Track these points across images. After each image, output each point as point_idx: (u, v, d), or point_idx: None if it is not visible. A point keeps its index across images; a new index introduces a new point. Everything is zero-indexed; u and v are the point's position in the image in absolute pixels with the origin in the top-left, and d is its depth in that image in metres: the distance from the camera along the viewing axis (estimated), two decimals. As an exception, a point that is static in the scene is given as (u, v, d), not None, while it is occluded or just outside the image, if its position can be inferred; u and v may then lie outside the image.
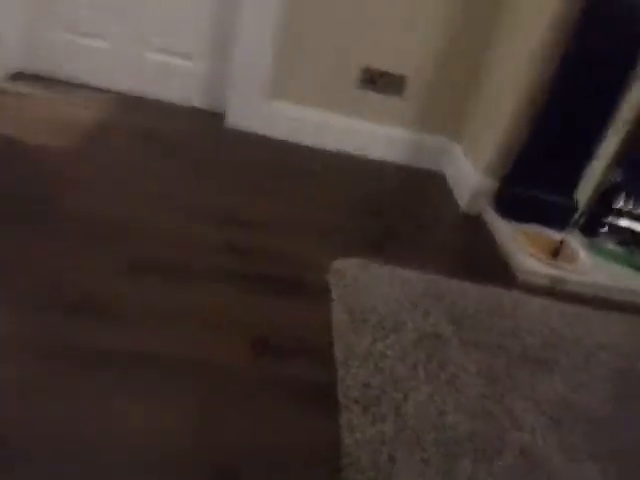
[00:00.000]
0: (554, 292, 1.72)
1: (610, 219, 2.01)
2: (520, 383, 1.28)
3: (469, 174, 2.09)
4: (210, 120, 2.19)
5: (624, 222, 2.01)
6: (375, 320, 1.36)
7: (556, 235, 1.92)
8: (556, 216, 1.98)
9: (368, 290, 1.47)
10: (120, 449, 0.99)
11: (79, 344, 1.15)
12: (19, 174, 1.61)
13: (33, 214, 1.47)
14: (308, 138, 2.21)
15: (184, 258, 1.46)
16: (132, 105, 2.13)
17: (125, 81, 2.16)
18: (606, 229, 2.00)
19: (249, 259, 1.52)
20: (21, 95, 2.00)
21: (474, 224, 2.02)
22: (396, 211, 1.96)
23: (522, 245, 1.81)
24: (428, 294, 1.52)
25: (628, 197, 1.99)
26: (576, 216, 2.02)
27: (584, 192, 2.00)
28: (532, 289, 1.70)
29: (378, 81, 2.16)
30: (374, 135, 2.23)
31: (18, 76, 2.10)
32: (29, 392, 1.04)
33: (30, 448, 0.95)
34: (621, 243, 1.97)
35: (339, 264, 1.56)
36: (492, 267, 1.78)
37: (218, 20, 2.07)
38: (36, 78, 2.11)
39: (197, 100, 2.22)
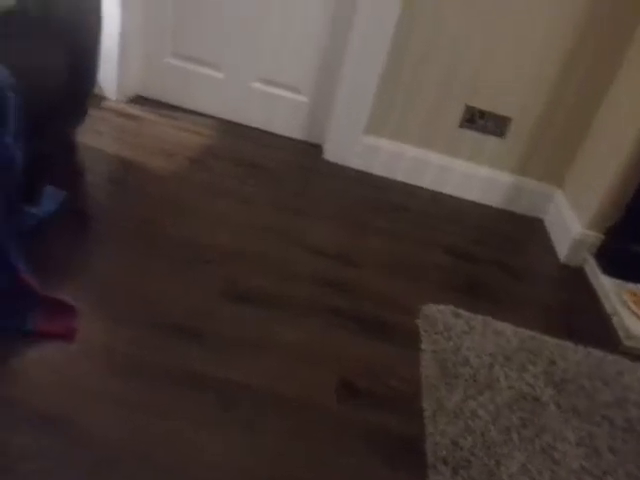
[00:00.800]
0: (663, 361, 1.60)
1: None
2: (624, 459, 1.19)
3: (571, 223, 1.99)
4: (309, 152, 2.23)
5: None
6: (467, 374, 1.31)
7: (666, 298, 1.78)
8: (667, 277, 1.84)
9: (460, 340, 1.42)
10: (198, 477, 1.00)
11: (177, 365, 1.20)
12: (132, 196, 1.71)
13: (142, 236, 1.55)
14: (405, 175, 2.19)
15: (279, 289, 1.49)
16: (238, 133, 2.20)
17: (233, 110, 2.24)
18: None
19: (341, 294, 1.53)
20: (137, 118, 2.13)
21: (574, 278, 1.92)
22: (490, 257, 1.90)
23: (628, 306, 1.70)
24: (524, 350, 1.46)
25: None
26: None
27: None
28: (638, 355, 1.58)
29: (480, 121, 2.11)
30: (472, 176, 2.18)
31: (136, 99, 2.24)
32: (125, 405, 1.09)
33: (119, 456, 0.99)
34: None
35: (430, 309, 1.52)
36: (594, 327, 1.68)
37: (326, 55, 2.12)
38: (152, 102, 2.24)
39: (298, 131, 2.26)
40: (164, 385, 1.15)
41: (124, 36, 2.07)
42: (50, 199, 1.48)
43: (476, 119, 2.11)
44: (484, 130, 2.13)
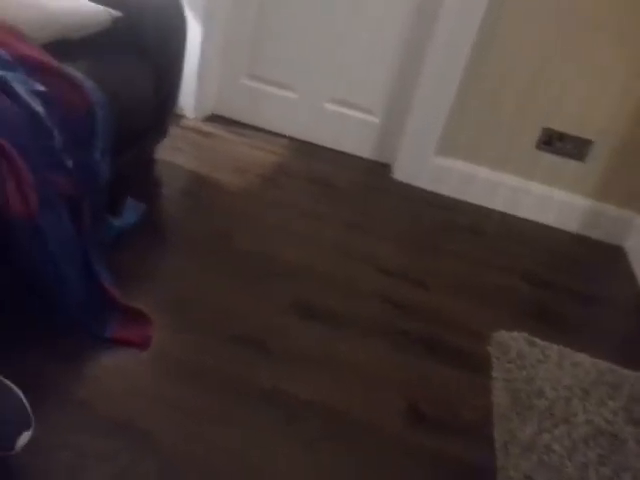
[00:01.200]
0: None
1: None
2: None
3: (656, 252, 1.89)
4: (379, 171, 2.22)
5: None
6: (542, 406, 1.25)
7: None
8: None
9: (534, 370, 1.36)
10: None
11: (245, 376, 1.21)
12: (206, 210, 1.76)
13: (215, 249, 1.59)
14: (477, 197, 2.15)
15: (347, 307, 1.48)
16: (309, 152, 2.23)
17: (305, 129, 2.27)
18: None
19: (409, 316, 1.50)
20: (213, 136, 2.20)
21: (658, 309, 1.81)
22: (566, 284, 1.82)
23: None
24: (602, 383, 1.38)
25: None
26: None
27: None
28: None
29: (558, 143, 2.05)
30: (548, 200, 2.11)
31: (212, 118, 2.31)
32: (193, 413, 1.10)
33: (184, 464, 1.00)
34: None
35: (502, 336, 1.47)
36: (680, 363, 1.57)
37: (399, 77, 2.12)
38: (227, 121, 2.31)
39: (369, 151, 2.27)
40: (232, 396, 1.16)
41: (204, 58, 2.16)
42: (131, 211, 1.54)
43: (554, 141, 2.04)
44: (562, 153, 2.06)
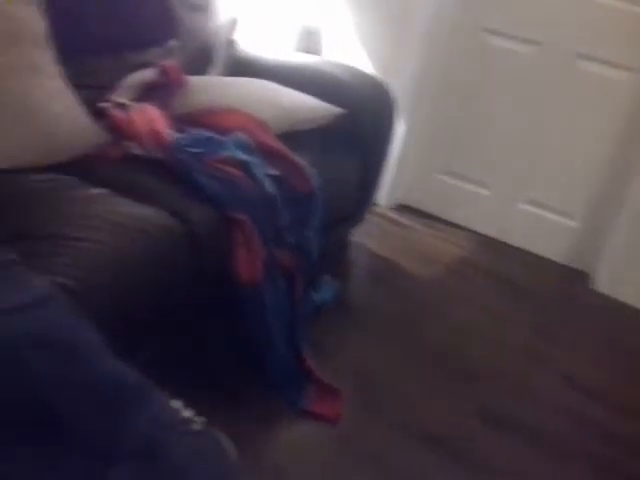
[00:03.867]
0: None
1: None
2: None
3: None
4: (573, 278, 2.10)
5: None
6: None
7: None
8: None
9: None
10: None
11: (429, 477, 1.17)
12: (393, 295, 1.79)
13: (400, 335, 1.60)
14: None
15: (533, 418, 1.39)
16: (498, 250, 2.19)
17: (495, 226, 2.25)
18: None
19: (608, 442, 1.36)
20: (402, 225, 2.27)
21: None
22: None
23: None
24: None
25: None
26: None
27: None
28: None
29: None
30: None
31: (401, 208, 2.39)
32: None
33: None
34: None
35: None
36: None
37: (605, 183, 2.03)
38: (416, 211, 2.37)
39: (563, 255, 2.17)
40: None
41: (403, 151, 2.26)
42: (327, 288, 1.63)
43: None
44: None
